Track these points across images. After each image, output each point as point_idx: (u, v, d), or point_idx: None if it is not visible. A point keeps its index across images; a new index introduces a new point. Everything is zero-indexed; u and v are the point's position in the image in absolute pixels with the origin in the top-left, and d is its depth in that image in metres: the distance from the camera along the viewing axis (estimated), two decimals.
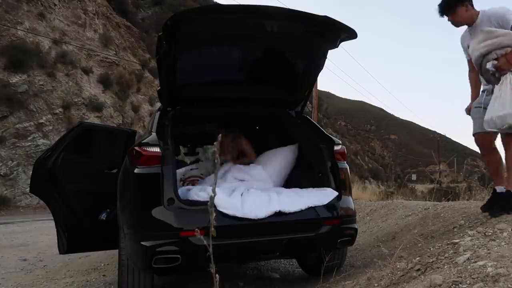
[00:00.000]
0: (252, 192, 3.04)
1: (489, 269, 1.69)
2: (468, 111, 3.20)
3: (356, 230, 3.20)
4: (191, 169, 4.31)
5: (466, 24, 3.06)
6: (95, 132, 4.14)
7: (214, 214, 0.92)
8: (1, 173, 14.22)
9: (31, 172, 3.81)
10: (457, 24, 3.07)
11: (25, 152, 14.98)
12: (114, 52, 22.47)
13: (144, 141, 2.90)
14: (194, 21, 2.86)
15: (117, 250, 3.21)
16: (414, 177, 47.26)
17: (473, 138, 3.05)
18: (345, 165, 3.37)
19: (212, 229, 0.90)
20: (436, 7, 3.06)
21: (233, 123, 4.25)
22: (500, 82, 2.63)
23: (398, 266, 2.33)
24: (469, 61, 3.11)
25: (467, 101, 3.28)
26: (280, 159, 3.66)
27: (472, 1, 3.02)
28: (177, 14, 2.77)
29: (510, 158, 2.90)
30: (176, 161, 3.19)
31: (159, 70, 3.25)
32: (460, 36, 3.22)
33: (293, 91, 3.74)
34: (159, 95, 3.54)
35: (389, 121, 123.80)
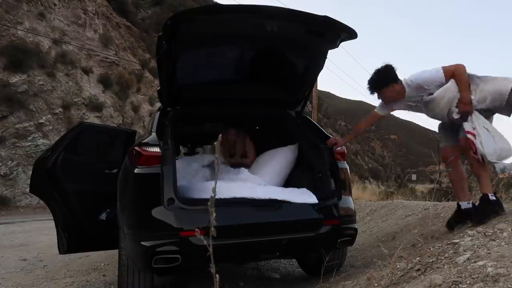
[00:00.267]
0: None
1: (489, 269, 1.69)
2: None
3: (356, 230, 3.20)
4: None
5: (397, 99, 3.21)
6: (95, 132, 4.14)
7: (214, 214, 0.92)
8: (1, 173, 14.22)
9: (31, 172, 3.81)
10: (385, 101, 3.28)
11: (25, 152, 14.97)
12: (114, 52, 22.46)
13: (144, 141, 2.90)
14: (194, 21, 2.85)
15: (117, 250, 3.21)
16: (414, 177, 47.19)
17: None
18: (345, 165, 3.38)
19: (212, 229, 0.90)
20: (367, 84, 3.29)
21: (233, 123, 4.25)
22: (473, 120, 2.87)
23: (398, 266, 2.33)
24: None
25: None
26: (280, 159, 3.66)
27: (397, 79, 3.14)
28: (177, 14, 2.76)
29: (476, 170, 2.94)
30: (176, 161, 3.19)
31: (159, 70, 3.25)
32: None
33: (293, 91, 3.74)
34: (159, 95, 3.54)
35: (389, 121, 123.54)
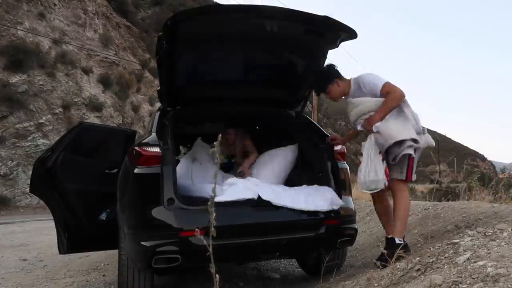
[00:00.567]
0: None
1: (489, 269, 1.69)
2: None
3: (356, 230, 3.20)
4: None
5: (343, 97, 3.23)
6: (95, 132, 4.14)
7: (214, 214, 0.92)
8: (1, 173, 14.23)
9: (31, 172, 3.81)
10: (334, 99, 3.29)
11: (25, 152, 14.98)
12: (114, 52, 22.47)
13: (144, 141, 2.90)
14: (194, 21, 2.85)
15: (117, 250, 3.21)
16: (414, 177, 47.05)
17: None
18: (345, 165, 3.38)
19: (212, 229, 0.90)
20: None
21: (233, 123, 4.26)
22: (363, 146, 2.98)
23: (398, 266, 2.33)
24: None
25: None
26: (280, 159, 3.66)
27: (340, 75, 3.18)
28: (177, 14, 2.76)
29: (397, 205, 2.91)
30: (176, 161, 3.19)
31: (159, 70, 3.25)
32: None
33: (293, 91, 3.74)
34: (159, 95, 3.54)
35: None
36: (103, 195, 3.62)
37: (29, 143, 15.22)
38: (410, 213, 5.09)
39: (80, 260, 5.08)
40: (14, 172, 14.53)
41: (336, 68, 3.21)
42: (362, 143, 3.02)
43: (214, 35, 3.08)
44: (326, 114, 61.11)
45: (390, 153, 2.90)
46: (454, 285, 1.67)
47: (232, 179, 3.16)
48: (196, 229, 1.05)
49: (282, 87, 3.73)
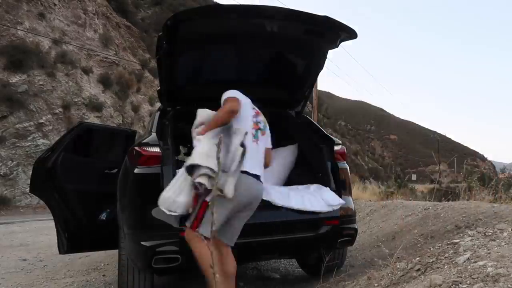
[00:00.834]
0: None
1: (489, 269, 1.69)
2: None
3: (356, 230, 3.20)
4: None
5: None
6: (95, 132, 4.14)
7: (215, 214, 0.92)
8: (1, 173, 14.22)
9: (31, 172, 3.81)
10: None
11: (25, 152, 14.97)
12: (114, 52, 22.46)
13: (144, 141, 2.90)
14: (194, 21, 2.85)
15: (117, 250, 3.21)
16: (414, 177, 47.22)
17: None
18: (345, 165, 3.37)
19: (213, 229, 0.90)
20: None
21: None
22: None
23: (398, 266, 2.33)
24: None
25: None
26: (279, 159, 3.66)
27: None
28: (177, 14, 2.76)
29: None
30: (176, 161, 3.19)
31: (159, 70, 3.25)
32: None
33: (293, 91, 3.73)
34: (159, 95, 3.54)
35: (389, 121, 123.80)
36: (103, 195, 3.61)
37: (29, 143, 15.22)
38: (410, 213, 5.11)
39: (80, 260, 5.08)
40: (14, 172, 14.53)
41: None
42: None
43: (214, 35, 3.08)
44: (326, 114, 61.15)
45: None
46: (454, 285, 1.67)
47: None
48: (196, 229, 1.05)
49: (282, 87, 3.73)
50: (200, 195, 2.31)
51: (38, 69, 16.55)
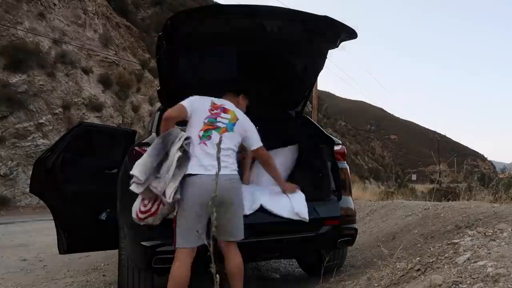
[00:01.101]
0: None
1: (489, 269, 1.69)
2: None
3: (356, 230, 3.20)
4: None
5: None
6: (95, 132, 4.14)
7: (215, 214, 0.92)
8: (1, 173, 14.21)
9: (31, 172, 3.81)
10: None
11: (25, 152, 14.97)
12: (114, 52, 22.46)
13: (144, 141, 2.90)
14: (194, 21, 2.85)
15: (117, 250, 3.21)
16: (414, 177, 47.22)
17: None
18: (345, 165, 3.37)
19: (213, 229, 0.90)
20: None
21: None
22: None
23: (398, 266, 2.33)
24: None
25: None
26: (279, 159, 3.66)
27: None
28: (177, 14, 2.76)
29: None
30: None
31: (159, 70, 3.25)
32: None
33: (293, 91, 3.73)
34: (159, 95, 3.54)
35: (389, 121, 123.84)
36: (103, 195, 3.61)
37: (29, 143, 15.21)
38: (410, 213, 5.11)
39: (80, 260, 5.08)
40: (14, 172, 14.52)
41: None
42: None
43: (214, 35, 3.08)
44: (326, 114, 61.10)
45: None
46: (454, 285, 1.67)
47: None
48: (196, 229, 1.05)
49: (282, 87, 3.72)
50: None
51: (38, 69, 16.54)
